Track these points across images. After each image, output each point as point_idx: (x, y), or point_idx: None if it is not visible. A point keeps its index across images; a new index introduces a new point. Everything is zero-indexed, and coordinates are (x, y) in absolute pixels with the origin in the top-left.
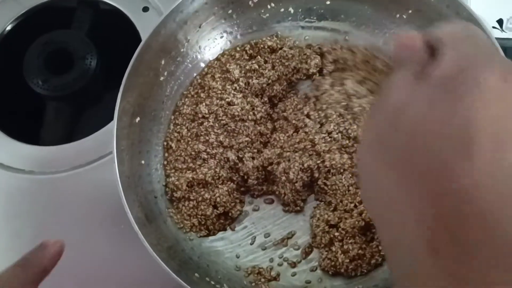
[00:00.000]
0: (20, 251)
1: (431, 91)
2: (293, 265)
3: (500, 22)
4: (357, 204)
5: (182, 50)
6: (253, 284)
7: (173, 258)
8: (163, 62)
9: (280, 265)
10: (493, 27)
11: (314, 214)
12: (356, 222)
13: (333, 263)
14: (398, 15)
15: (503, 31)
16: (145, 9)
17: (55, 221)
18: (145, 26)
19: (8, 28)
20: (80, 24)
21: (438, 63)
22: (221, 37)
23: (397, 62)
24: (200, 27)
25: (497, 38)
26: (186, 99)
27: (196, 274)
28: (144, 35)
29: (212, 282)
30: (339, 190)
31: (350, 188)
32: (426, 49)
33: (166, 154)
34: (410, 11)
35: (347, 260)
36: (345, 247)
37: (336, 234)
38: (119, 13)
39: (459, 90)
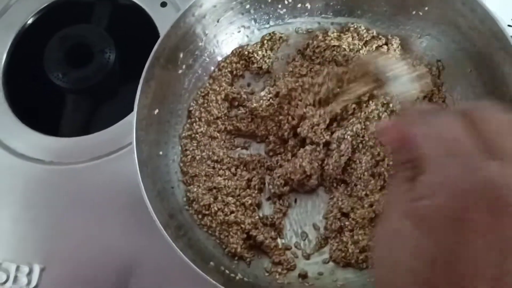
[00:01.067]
0: (38, 239)
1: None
2: (307, 257)
3: None
4: (368, 193)
5: (200, 44)
6: (267, 274)
7: (189, 247)
8: (181, 55)
9: (296, 256)
10: (509, 25)
11: (332, 197)
12: (367, 213)
13: (343, 254)
14: (414, 12)
15: None
16: (163, 4)
17: (73, 210)
18: (163, 21)
19: (29, 22)
20: (99, 19)
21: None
22: (239, 31)
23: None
24: (218, 21)
25: None
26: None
27: (212, 263)
28: (162, 29)
29: (227, 271)
30: (356, 171)
31: (365, 173)
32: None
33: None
34: (426, 8)
35: (357, 251)
36: (355, 237)
37: (347, 223)
38: (137, 8)
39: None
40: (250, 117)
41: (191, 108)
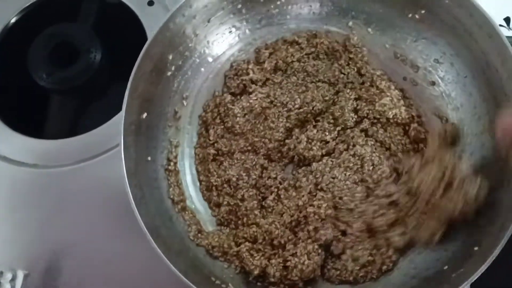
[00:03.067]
0: (23, 242)
1: None
2: None
3: (507, 20)
4: (357, 203)
5: (190, 45)
6: (259, 284)
7: (178, 256)
8: (170, 57)
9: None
10: (500, 25)
11: None
12: (361, 225)
13: (338, 272)
14: (410, 15)
15: (510, 29)
16: (150, 3)
17: (58, 214)
18: (150, 20)
19: (13, 20)
20: (85, 17)
21: None
22: (230, 32)
23: None
24: (208, 21)
25: None
26: None
27: (201, 273)
28: (149, 29)
29: (217, 282)
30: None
31: (347, 182)
32: None
33: None
34: (422, 11)
35: (357, 268)
36: (355, 254)
37: (347, 240)
38: (124, 6)
39: None
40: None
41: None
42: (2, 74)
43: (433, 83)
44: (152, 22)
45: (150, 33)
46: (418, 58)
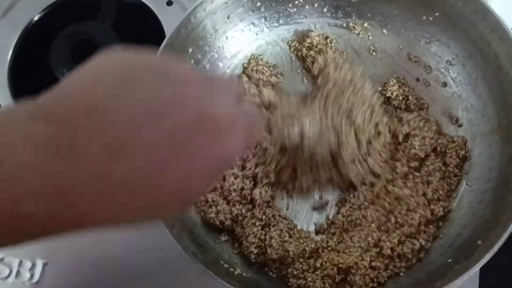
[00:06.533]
0: None
1: None
2: None
3: None
4: None
5: (209, 39)
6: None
7: (190, 240)
8: (190, 50)
9: None
10: None
11: None
12: None
13: None
14: (424, 17)
15: None
16: (169, 3)
17: None
18: (168, 19)
19: (36, 18)
20: (105, 16)
21: None
22: (249, 29)
23: None
24: (228, 18)
25: None
26: None
27: (211, 257)
28: (168, 28)
29: (226, 265)
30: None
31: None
32: None
33: None
34: (436, 14)
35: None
36: None
37: None
38: (143, 6)
39: None
40: None
41: None
42: (25, 70)
43: (445, 84)
44: (170, 22)
45: (173, 28)
46: (431, 60)
